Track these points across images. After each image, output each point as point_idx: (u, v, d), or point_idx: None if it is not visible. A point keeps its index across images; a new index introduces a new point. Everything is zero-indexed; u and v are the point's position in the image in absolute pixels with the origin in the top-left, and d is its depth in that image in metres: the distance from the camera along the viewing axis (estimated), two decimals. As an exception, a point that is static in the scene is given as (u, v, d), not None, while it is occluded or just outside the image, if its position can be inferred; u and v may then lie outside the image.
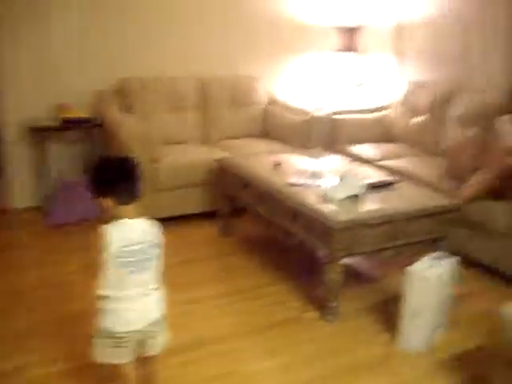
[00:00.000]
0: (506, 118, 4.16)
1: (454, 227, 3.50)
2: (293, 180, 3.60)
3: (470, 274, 3.80)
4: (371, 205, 3.26)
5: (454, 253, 3.52)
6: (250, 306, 3.35)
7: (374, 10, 6.01)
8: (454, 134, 4.68)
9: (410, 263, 2.94)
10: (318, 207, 3.17)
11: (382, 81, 6.02)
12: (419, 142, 5.07)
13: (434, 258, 2.99)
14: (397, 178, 3.73)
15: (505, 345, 2.39)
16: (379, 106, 5.63)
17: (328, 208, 3.14)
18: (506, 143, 4.04)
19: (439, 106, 4.98)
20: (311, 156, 4.39)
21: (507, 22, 4.68)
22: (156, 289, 2.19)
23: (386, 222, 3.13)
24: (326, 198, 3.26)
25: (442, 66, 5.38)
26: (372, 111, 5.56)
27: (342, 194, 3.25)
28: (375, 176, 3.74)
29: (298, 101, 5.54)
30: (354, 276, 3.72)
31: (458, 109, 4.80)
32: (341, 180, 3.37)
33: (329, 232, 3.03)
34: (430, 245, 3.38)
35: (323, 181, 3.56)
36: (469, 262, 3.88)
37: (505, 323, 2.37)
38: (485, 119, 4.49)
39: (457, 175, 4.06)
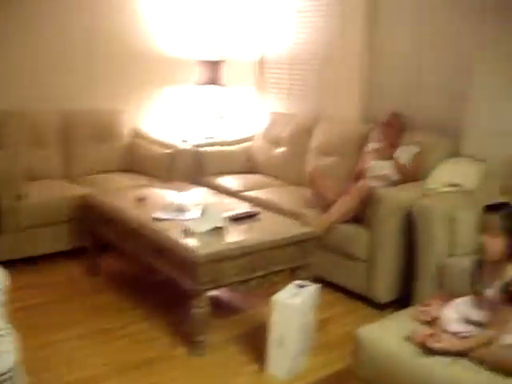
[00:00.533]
0: (369, 145, 4.40)
1: (316, 254, 3.63)
2: (157, 215, 3.58)
3: (333, 298, 3.96)
4: (233, 237, 3.30)
5: (318, 278, 3.66)
6: (118, 346, 3.27)
7: (237, 43, 6.16)
8: (314, 164, 4.87)
9: (276, 292, 3.01)
10: (181, 241, 3.18)
11: (245, 113, 6.16)
12: (282, 172, 5.24)
13: (297, 286, 3.07)
14: (259, 209, 3.81)
15: (362, 366, 2.49)
16: (243, 137, 5.76)
17: (190, 242, 3.15)
18: (364, 168, 4.27)
19: (299, 137, 5.18)
20: (176, 189, 4.39)
21: (358, 59, 4.98)
22: (4, 336, 2.08)
23: (248, 253, 3.19)
24: (188, 232, 3.27)
25: (301, 98, 5.61)
26: (236, 143, 5.68)
27: (203, 228, 3.27)
28: (239, 208, 3.79)
29: (162, 134, 5.55)
30: (221, 308, 3.75)
31: (317, 139, 5.00)
32: (202, 213, 3.39)
33: (192, 266, 3.04)
34: (294, 272, 3.47)
35: (187, 215, 3.57)
36: (333, 287, 4.03)
37: (360, 345, 2.47)
38: (343, 147, 4.72)
39: (319, 201, 4.21)
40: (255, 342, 3.27)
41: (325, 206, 4.10)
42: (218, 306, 3.69)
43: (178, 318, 3.52)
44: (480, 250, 2.37)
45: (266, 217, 3.71)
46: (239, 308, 3.83)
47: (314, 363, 3.14)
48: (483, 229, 2.34)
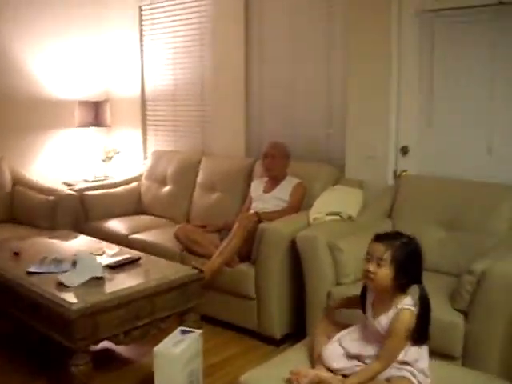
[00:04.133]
0: (255, 181, 4.38)
1: (205, 295, 3.50)
2: (32, 269, 3.34)
3: (228, 339, 3.83)
4: (112, 286, 3.10)
5: (212, 320, 3.64)
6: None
7: (119, 83, 6.04)
8: (199, 201, 4.80)
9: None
10: (54, 296, 2.96)
11: (129, 153, 6.02)
12: (169, 211, 5.11)
13: (180, 333, 2.93)
14: (141, 253, 3.64)
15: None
16: (129, 178, 5.61)
17: (63, 296, 2.93)
18: (246, 206, 4.22)
19: (184, 174, 5.09)
20: (58, 239, 4.18)
21: (242, 94, 4.95)
22: None
23: (128, 302, 3.01)
24: (62, 286, 3.06)
25: (186, 136, 5.54)
26: (122, 184, 5.50)
27: (79, 279, 3.07)
28: (119, 254, 3.61)
29: (45, 179, 5.33)
30: (109, 360, 3.54)
31: (201, 175, 4.93)
32: (77, 264, 3.20)
33: (67, 322, 2.82)
34: (182, 316, 3.32)
35: (64, 267, 3.35)
36: (228, 327, 3.93)
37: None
38: (227, 183, 4.66)
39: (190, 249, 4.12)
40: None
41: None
42: (105, 358, 3.50)
43: (61, 376, 3.28)
44: (366, 278, 2.29)
45: (147, 261, 3.54)
46: (127, 359, 3.62)
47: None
48: (371, 257, 2.26)
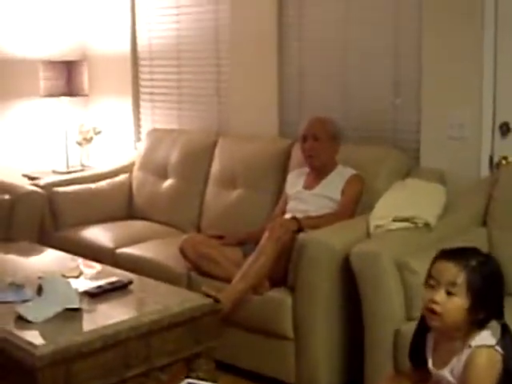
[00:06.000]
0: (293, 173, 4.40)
1: (223, 334, 3.52)
2: (-20, 296, 3.41)
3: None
4: (91, 322, 3.16)
5: (229, 368, 3.67)
6: None
7: (100, 36, 6.12)
8: (214, 201, 4.83)
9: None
10: (11, 336, 3.00)
11: (116, 133, 6.07)
12: (172, 215, 5.17)
13: (188, 389, 2.95)
14: (132, 276, 3.68)
15: None
16: (114, 168, 5.67)
17: (25, 336, 2.97)
18: (279, 208, 4.24)
19: (193, 163, 5.14)
20: (17, 254, 4.25)
21: (274, 55, 5.00)
22: None
23: (114, 344, 3.03)
24: (23, 321, 3.10)
25: (194, 110, 5.55)
26: (105, 177, 5.57)
27: (45, 312, 3.11)
28: (102, 276, 3.65)
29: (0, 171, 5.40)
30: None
31: (217, 164, 4.97)
32: (43, 291, 3.24)
33: (29, 372, 2.86)
34: (190, 363, 3.35)
35: (26, 294, 3.39)
36: (253, 379, 3.94)
37: None
38: (253, 175, 4.68)
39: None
40: None
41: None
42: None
43: None
44: (429, 312, 2.28)
45: (141, 287, 3.60)
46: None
47: None
48: (437, 282, 2.27)
